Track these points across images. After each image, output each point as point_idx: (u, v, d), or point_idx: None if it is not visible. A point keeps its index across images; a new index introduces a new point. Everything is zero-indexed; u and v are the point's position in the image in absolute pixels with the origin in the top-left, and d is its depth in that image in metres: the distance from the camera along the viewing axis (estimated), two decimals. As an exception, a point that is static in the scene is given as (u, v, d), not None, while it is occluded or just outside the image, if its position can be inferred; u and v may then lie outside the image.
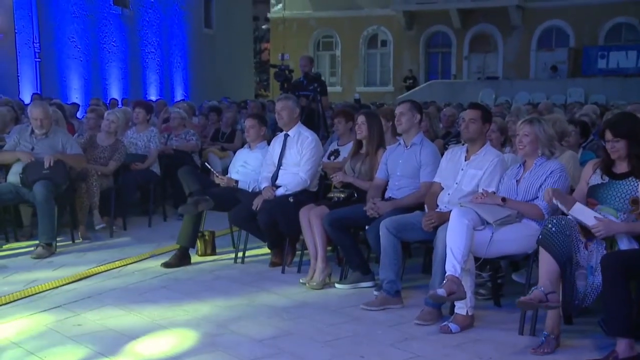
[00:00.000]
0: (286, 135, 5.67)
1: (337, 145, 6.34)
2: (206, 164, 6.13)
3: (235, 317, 4.37)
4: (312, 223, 5.08)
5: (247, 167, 5.98)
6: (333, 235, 4.98)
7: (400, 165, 4.97)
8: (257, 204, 5.41)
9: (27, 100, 13.07)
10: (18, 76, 15.87)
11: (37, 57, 16.57)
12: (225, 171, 7.34)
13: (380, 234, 4.51)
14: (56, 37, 17.55)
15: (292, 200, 5.39)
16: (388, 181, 5.09)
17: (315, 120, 8.37)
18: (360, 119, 5.37)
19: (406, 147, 5.02)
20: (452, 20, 27.10)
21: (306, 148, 5.53)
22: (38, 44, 16.63)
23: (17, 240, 6.46)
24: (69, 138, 6.50)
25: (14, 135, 6.33)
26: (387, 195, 5.04)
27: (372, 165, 5.28)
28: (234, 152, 8.82)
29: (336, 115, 6.39)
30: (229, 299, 4.78)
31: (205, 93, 22.17)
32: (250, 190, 5.79)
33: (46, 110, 6.28)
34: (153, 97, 19.97)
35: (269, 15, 30.90)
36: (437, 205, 4.58)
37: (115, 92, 19.58)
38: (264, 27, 35.18)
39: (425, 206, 4.64)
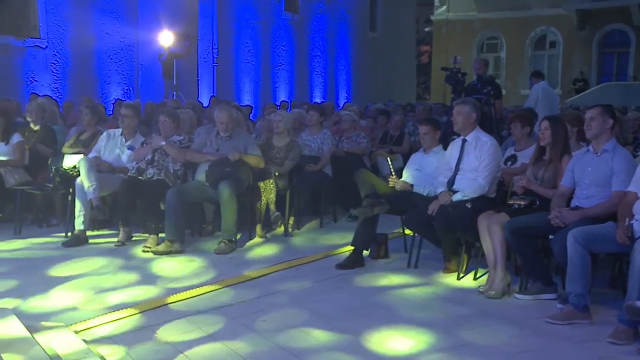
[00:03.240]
0: (464, 140, 5.56)
1: (514, 150, 6.12)
2: (390, 166, 6.10)
3: (409, 325, 4.32)
4: (491, 230, 4.94)
5: (422, 172, 5.94)
6: (514, 244, 4.80)
7: (589, 173, 4.69)
8: (433, 208, 5.35)
9: (205, 102, 13.89)
10: (198, 80, 16.95)
11: (215, 61, 17.62)
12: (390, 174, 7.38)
13: (568, 244, 4.28)
14: (233, 43, 18.57)
15: (469, 206, 5.27)
16: (574, 189, 4.83)
17: (488, 124, 8.14)
18: (544, 124, 5.15)
19: (596, 153, 4.73)
20: (632, 17, 25.26)
21: (485, 153, 5.38)
22: (216, 50, 17.69)
23: (200, 236, 6.88)
24: (251, 140, 6.81)
25: (202, 136, 6.74)
26: (573, 204, 4.78)
27: (556, 172, 5.03)
28: (403, 155, 8.86)
29: (513, 120, 6.18)
30: (402, 303, 4.75)
31: (368, 96, 22.39)
32: (425, 195, 5.74)
33: (231, 114, 6.62)
34: (318, 100, 20.50)
35: (432, 17, 30.56)
36: (633, 216, 4.27)
37: (283, 95, 20.32)
38: (426, 29, 34.90)
39: (618, 217, 4.34)
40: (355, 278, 5.40)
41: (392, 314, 4.54)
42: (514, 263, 5.35)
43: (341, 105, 17.39)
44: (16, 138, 7.07)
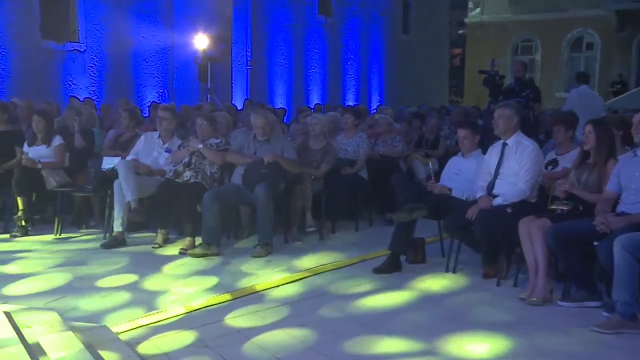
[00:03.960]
0: (504, 144, 5.48)
1: (555, 154, 6.02)
2: (430, 170, 6.05)
3: (449, 330, 4.27)
4: (532, 235, 4.84)
5: (461, 176, 5.86)
6: (557, 250, 4.71)
7: (637, 178, 4.57)
8: (472, 213, 5.27)
9: (238, 105, 13.95)
10: (232, 83, 17.05)
11: (249, 65, 17.71)
12: (429, 178, 7.31)
13: (615, 251, 4.17)
14: (266, 46, 18.64)
15: (510, 210, 5.19)
16: (619, 195, 4.72)
17: (527, 128, 8.00)
18: (588, 127, 5.03)
19: (644, 158, 4.62)
20: (674, 18, 24.73)
21: (526, 157, 5.29)
22: (250, 53, 17.78)
23: (236, 238, 6.89)
24: (287, 143, 6.81)
25: (240, 139, 6.76)
26: (618, 209, 4.66)
27: (601, 177, 4.92)
28: (438, 159, 8.78)
29: (556, 123, 6.08)
30: (441, 309, 4.70)
31: (400, 99, 22.29)
32: (464, 199, 5.66)
33: (267, 118, 6.63)
34: (351, 103, 20.46)
35: (465, 20, 30.34)
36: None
37: (315, 98, 20.33)
38: (459, 32, 34.65)
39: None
40: (393, 283, 5.35)
41: (433, 319, 4.48)
42: (555, 269, 5.25)
43: (373, 108, 17.33)
44: (57, 140, 7.17)
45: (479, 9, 29.40)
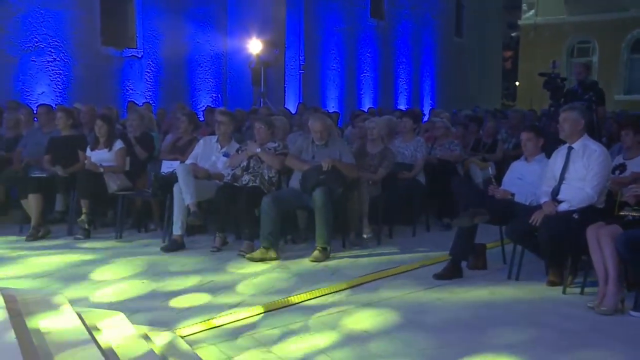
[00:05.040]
0: (570, 148, 5.33)
1: (623, 158, 5.85)
2: (491, 175, 5.95)
3: (516, 339, 4.16)
4: (601, 242, 4.69)
5: (524, 180, 5.73)
6: (629, 258, 4.54)
7: None
8: (536, 218, 5.14)
9: (291, 109, 14.00)
10: (284, 87, 17.14)
11: (301, 69, 17.77)
12: (487, 182, 7.19)
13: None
14: (319, 50, 18.68)
15: (576, 216, 5.04)
16: (695, 201, 4.54)
17: (590, 132, 7.79)
18: (660, 131, 4.87)
19: None
20: None
21: (594, 162, 5.14)
22: (303, 57, 17.84)
23: (293, 243, 6.89)
24: (346, 147, 6.77)
25: (299, 143, 6.76)
26: (693, 216, 4.48)
27: (674, 183, 4.74)
28: (496, 163, 8.62)
29: (624, 127, 5.90)
30: (507, 318, 4.58)
31: (452, 102, 22.04)
32: (527, 204, 5.53)
33: (325, 123, 6.61)
34: (402, 107, 20.32)
35: (519, 22, 29.84)
36: None
37: (367, 101, 20.27)
38: (512, 34, 34.10)
39: None
40: (455, 289, 5.26)
41: (498, 327, 4.37)
42: (625, 278, 5.07)
43: (426, 112, 17.17)
44: (118, 144, 7.30)
45: (533, 11, 28.86)
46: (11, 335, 2.28)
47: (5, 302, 2.71)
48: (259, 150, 6.61)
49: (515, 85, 31.93)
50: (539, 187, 5.50)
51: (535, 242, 5.24)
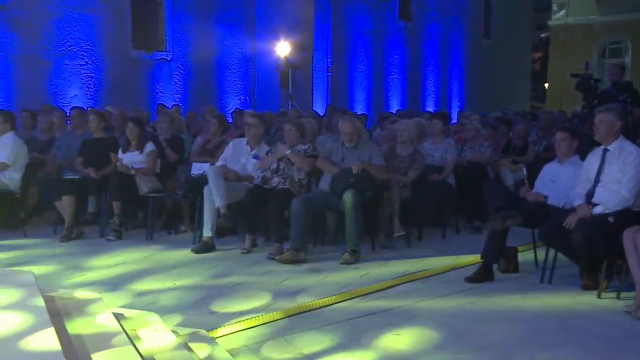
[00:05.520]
0: (605, 150, 5.25)
1: (659, 161, 5.73)
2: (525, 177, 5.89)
3: (551, 344, 4.10)
4: (638, 246, 4.61)
5: (557, 183, 5.66)
6: (666, 262, 4.46)
7: None
8: (570, 221, 5.07)
9: (319, 111, 14.01)
10: (312, 89, 17.17)
11: (329, 71, 17.79)
12: (519, 184, 7.11)
13: None
14: (346, 52, 18.70)
15: (612, 220, 4.96)
16: None
17: (625, 134, 7.66)
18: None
19: None
20: None
21: (630, 164, 5.05)
22: (331, 59, 17.87)
23: (322, 245, 6.89)
24: (376, 149, 6.76)
25: (329, 145, 6.77)
26: None
27: None
28: (526, 165, 8.52)
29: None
30: (542, 322, 4.52)
31: (480, 104, 21.88)
32: (561, 207, 5.46)
33: (355, 125, 6.61)
34: (430, 109, 20.23)
35: (549, 22, 29.50)
36: None
37: (395, 104, 20.21)
38: (541, 35, 33.73)
39: None
40: (487, 292, 5.20)
41: (534, 332, 4.32)
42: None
43: (454, 114, 17.07)
44: (149, 147, 7.36)
45: (563, 11, 28.53)
46: (53, 335, 2.31)
47: (45, 302, 2.74)
48: (289, 152, 6.62)
49: (544, 86, 31.58)
50: (573, 189, 5.43)
51: (569, 245, 5.16)
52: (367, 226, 6.67)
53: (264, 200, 6.49)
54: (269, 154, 6.85)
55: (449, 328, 4.37)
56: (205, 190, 6.64)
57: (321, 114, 12.29)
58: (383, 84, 20.23)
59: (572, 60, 23.08)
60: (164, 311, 4.58)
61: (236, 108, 13.51)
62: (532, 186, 5.89)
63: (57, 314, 2.88)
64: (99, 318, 3.01)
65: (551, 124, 10.76)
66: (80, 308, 3.14)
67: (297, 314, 4.68)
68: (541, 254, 5.68)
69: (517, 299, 5.07)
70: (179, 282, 5.49)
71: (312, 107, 16.04)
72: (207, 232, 6.62)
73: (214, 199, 6.55)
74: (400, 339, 4.17)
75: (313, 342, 4.12)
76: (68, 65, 12.79)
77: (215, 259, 6.28)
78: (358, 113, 14.05)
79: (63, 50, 12.70)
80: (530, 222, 5.60)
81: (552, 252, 5.48)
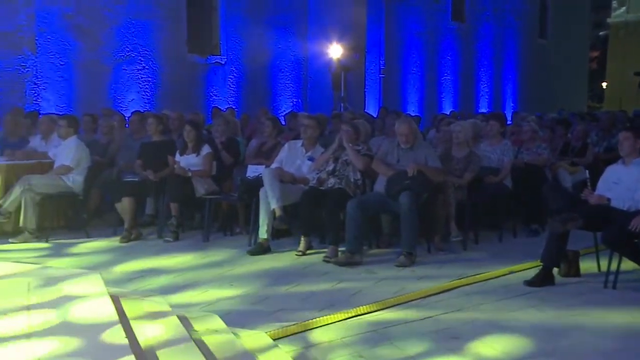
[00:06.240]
0: (672, 151, 5.09)
1: None
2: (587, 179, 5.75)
3: (617, 348, 3.99)
4: None
5: (621, 185, 5.50)
6: None
7: None
8: (636, 224, 4.93)
9: (372, 113, 13.98)
10: (365, 91, 17.16)
11: (382, 73, 17.75)
12: (581, 186, 6.94)
13: None
14: (399, 54, 18.63)
15: (681, 223, 4.81)
16: None
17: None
18: None
19: None
20: None
21: (700, 165, 4.89)
22: (383, 61, 17.83)
23: (377, 247, 6.85)
24: (431, 151, 6.70)
25: (385, 146, 6.74)
26: None
27: None
28: (585, 167, 8.32)
29: None
30: (608, 328, 4.40)
31: (535, 105, 21.49)
32: (626, 210, 5.31)
33: (411, 126, 6.56)
34: (484, 110, 19.96)
35: (608, 20, 28.79)
36: None
37: (448, 105, 20.03)
38: (600, 33, 32.93)
39: None
40: (547, 297, 5.09)
41: (592, 336, 4.22)
42: None
43: (509, 115, 16.79)
44: (206, 149, 7.46)
45: (624, 8, 27.78)
46: (122, 334, 2.36)
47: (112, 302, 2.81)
48: (349, 145, 6.60)
49: (601, 86, 30.84)
50: (638, 191, 5.27)
51: (635, 249, 5.04)
52: (422, 228, 6.61)
53: (319, 202, 6.50)
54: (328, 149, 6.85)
55: (510, 330, 4.29)
56: (261, 193, 6.69)
57: (374, 116, 12.25)
58: (436, 86, 20.08)
59: (633, 58, 22.49)
60: (222, 312, 4.62)
61: (291, 110, 13.60)
62: (594, 188, 5.75)
63: (122, 314, 2.94)
64: (162, 318, 3.06)
65: (612, 124, 10.49)
66: (142, 307, 3.20)
67: (355, 316, 4.63)
68: (604, 258, 5.53)
69: (578, 303, 4.94)
70: (236, 284, 5.54)
71: (364, 109, 16.04)
72: (262, 234, 6.67)
73: (269, 201, 6.59)
74: (461, 343, 4.11)
75: (371, 344, 4.10)
76: (126, 70, 13.11)
77: (271, 261, 6.32)
78: (411, 114, 13.99)
79: (122, 55, 13.03)
80: (592, 225, 5.46)
81: (616, 255, 5.33)
